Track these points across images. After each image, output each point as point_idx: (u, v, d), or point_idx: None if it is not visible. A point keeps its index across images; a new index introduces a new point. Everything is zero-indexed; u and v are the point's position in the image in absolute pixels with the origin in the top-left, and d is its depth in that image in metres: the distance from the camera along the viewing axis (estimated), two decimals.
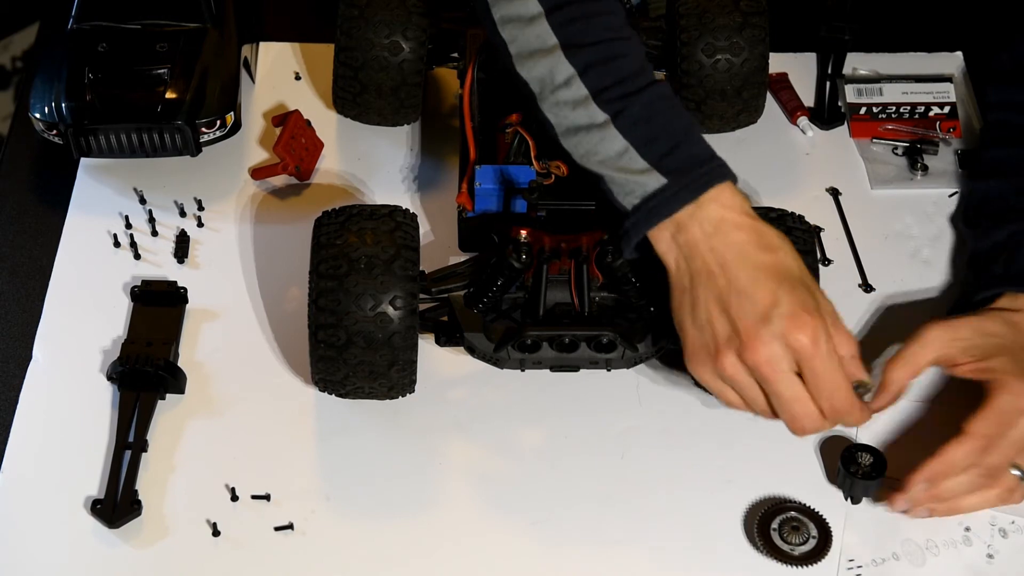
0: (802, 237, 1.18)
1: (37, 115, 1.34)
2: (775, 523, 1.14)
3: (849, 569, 1.13)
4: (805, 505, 1.16)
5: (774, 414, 1.10)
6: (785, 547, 1.13)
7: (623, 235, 1.12)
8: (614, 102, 1.12)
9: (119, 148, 1.34)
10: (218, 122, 1.35)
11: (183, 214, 1.37)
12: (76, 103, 1.33)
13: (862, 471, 1.15)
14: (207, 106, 1.35)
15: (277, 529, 1.15)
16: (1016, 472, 1.12)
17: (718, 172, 1.11)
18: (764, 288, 1.07)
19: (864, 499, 1.16)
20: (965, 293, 1.27)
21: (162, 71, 1.36)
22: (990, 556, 1.14)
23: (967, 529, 1.15)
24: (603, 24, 1.15)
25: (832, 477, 1.18)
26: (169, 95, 1.34)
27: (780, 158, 1.43)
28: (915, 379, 1.16)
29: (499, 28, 1.17)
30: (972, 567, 1.14)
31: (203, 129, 1.35)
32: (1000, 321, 1.17)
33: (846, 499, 1.17)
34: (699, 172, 1.10)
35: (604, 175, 1.13)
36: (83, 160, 1.40)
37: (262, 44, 1.52)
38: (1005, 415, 1.12)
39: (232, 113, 1.36)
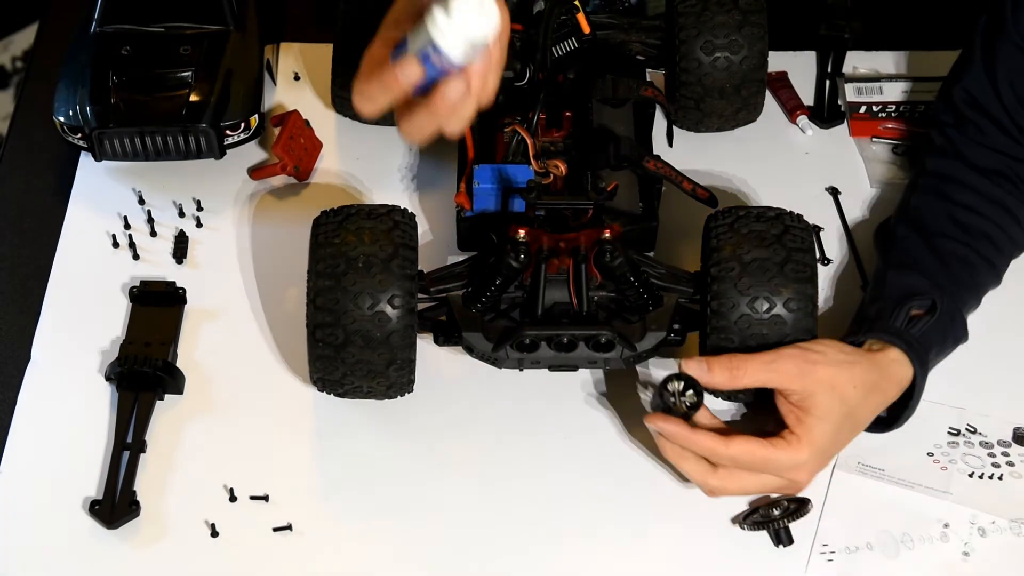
0: (800, 236, 1.17)
1: (61, 118, 1.34)
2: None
3: (822, 554, 1.14)
4: (802, 499, 1.15)
5: None
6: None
7: None
8: None
9: (143, 151, 1.34)
10: (242, 124, 1.35)
11: (182, 214, 1.37)
12: (100, 106, 1.33)
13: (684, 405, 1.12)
14: (232, 109, 1.35)
15: (276, 530, 1.15)
16: None
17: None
18: None
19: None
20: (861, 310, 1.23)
21: (186, 74, 1.35)
22: (966, 554, 1.14)
23: (946, 526, 1.15)
24: None
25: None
26: (193, 98, 1.34)
27: (779, 157, 1.43)
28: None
29: None
30: (946, 563, 1.13)
31: (227, 132, 1.35)
32: (866, 367, 1.13)
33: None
34: None
35: None
36: (82, 160, 1.40)
37: None
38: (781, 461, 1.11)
39: (256, 115, 1.36)
